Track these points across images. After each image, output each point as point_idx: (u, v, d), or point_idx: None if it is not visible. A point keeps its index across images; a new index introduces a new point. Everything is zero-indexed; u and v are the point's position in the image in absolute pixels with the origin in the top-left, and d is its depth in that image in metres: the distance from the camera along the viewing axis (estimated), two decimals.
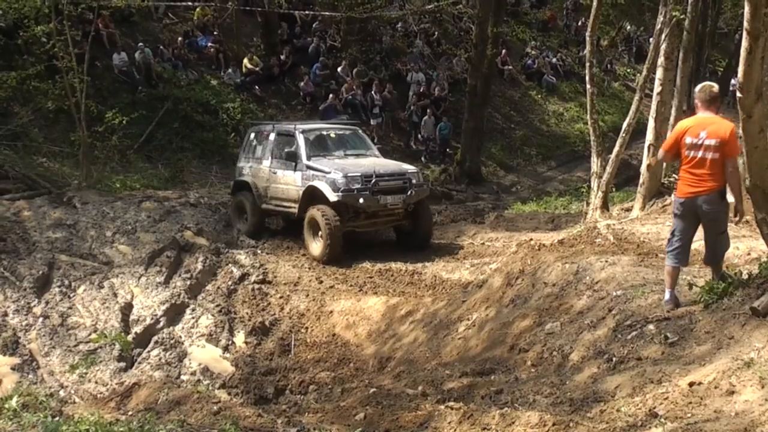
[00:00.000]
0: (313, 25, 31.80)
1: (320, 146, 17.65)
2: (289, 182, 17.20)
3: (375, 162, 17.45)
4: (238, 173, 18.94)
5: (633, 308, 8.69)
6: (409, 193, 16.60)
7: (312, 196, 16.53)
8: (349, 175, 16.17)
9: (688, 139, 8.00)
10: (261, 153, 18.27)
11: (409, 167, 17.78)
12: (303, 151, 17.00)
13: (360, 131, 19.26)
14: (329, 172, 16.35)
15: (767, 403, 5.78)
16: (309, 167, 16.77)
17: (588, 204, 17.17)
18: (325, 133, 18.22)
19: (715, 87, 8.30)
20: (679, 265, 8.31)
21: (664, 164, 15.29)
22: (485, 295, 11.71)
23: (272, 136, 18.05)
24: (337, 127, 19.08)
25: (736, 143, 7.90)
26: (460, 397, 8.02)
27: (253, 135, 18.90)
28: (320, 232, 16.03)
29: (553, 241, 12.91)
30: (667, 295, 8.32)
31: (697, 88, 8.34)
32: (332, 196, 16.02)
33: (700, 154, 7.93)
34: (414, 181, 16.92)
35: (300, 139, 17.24)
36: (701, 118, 8.06)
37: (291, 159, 17.12)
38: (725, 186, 8.08)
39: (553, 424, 6.18)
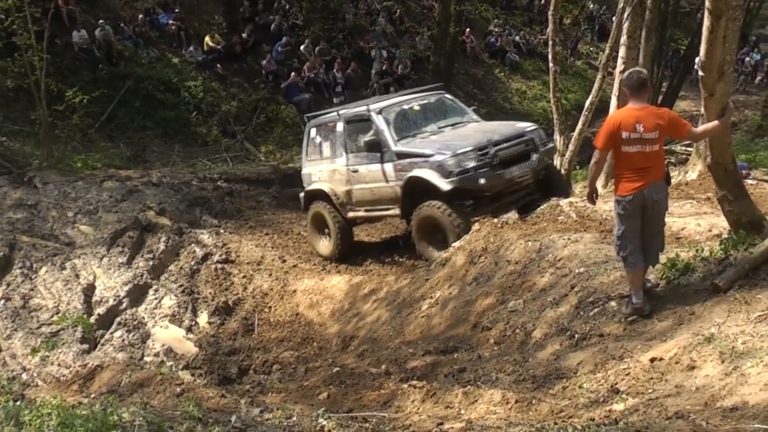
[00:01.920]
0: (275, 3, 31.55)
1: (406, 125, 14.24)
2: (379, 178, 14.01)
3: (483, 128, 14.14)
4: (305, 181, 15.81)
5: (595, 285, 8.75)
6: (535, 158, 13.49)
7: (415, 189, 13.34)
8: (459, 152, 12.83)
9: (624, 134, 7.46)
10: (331, 150, 15.04)
11: (526, 124, 14.37)
12: (388, 135, 13.81)
13: (448, 96, 15.82)
14: (432, 154, 13.09)
15: (727, 377, 5.85)
16: (401, 155, 13.57)
17: None
18: (406, 107, 14.57)
19: (643, 72, 7.85)
20: (641, 268, 7.85)
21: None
22: (448, 273, 11.74)
23: (340, 126, 14.81)
24: (418, 96, 15.31)
25: (681, 123, 7.67)
26: (423, 375, 8.07)
27: (314, 131, 15.62)
28: (443, 234, 12.91)
29: (516, 218, 12.95)
30: (635, 299, 7.79)
31: (624, 74, 7.93)
32: (444, 184, 12.76)
33: (641, 148, 7.47)
34: (538, 141, 13.66)
35: (379, 121, 14.02)
36: (633, 110, 7.56)
37: (374, 149, 13.89)
38: (668, 172, 7.99)
39: (516, 402, 6.24)
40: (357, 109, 14.97)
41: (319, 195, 15.23)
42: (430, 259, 12.89)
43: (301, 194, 16.01)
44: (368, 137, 13.96)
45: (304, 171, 15.89)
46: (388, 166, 13.74)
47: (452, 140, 13.45)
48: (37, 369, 12.09)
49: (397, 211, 13.96)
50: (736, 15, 8.08)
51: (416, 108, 14.62)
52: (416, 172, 13.18)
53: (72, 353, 12.45)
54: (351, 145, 14.54)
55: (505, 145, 13.15)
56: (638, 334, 7.34)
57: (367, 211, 14.69)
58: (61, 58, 23.49)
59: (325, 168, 15.14)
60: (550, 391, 6.74)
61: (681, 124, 7.68)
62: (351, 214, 14.88)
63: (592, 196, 8.22)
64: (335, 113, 15.29)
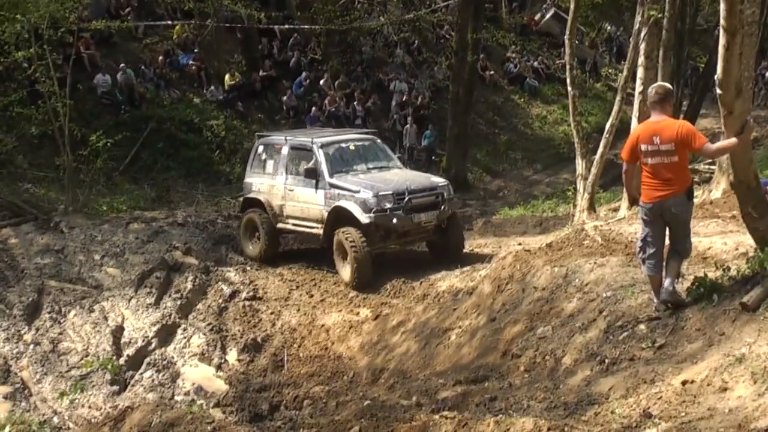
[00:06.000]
0: (290, 40, 31.67)
1: (341, 161, 16.46)
2: (310, 201, 16.15)
3: (404, 176, 16.38)
4: (246, 189, 17.81)
5: (623, 309, 8.70)
6: (442, 208, 15.74)
7: (338, 216, 15.49)
8: (381, 194, 15.16)
9: (642, 147, 7.83)
10: (273, 168, 17.10)
11: (439, 180, 16.85)
12: (325, 168, 15.90)
13: (378, 141, 17.97)
14: (357, 191, 15.34)
15: (760, 398, 5.78)
16: (333, 185, 15.72)
17: (575, 206, 17.19)
18: (344, 145, 16.88)
19: (666, 86, 8.14)
20: (658, 273, 8.10)
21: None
22: (475, 302, 11.71)
23: (285, 150, 16.88)
24: (355, 138, 17.66)
25: (694, 136, 7.69)
26: (454, 405, 8.01)
27: (261, 148, 17.70)
28: (348, 258, 15.09)
29: (542, 244, 12.91)
30: (656, 300, 8.21)
31: (650, 89, 8.21)
32: (364, 218, 15.00)
33: (658, 160, 7.76)
34: (446, 195, 15.94)
35: (320, 154, 16.07)
36: (651, 123, 7.89)
37: (311, 176, 15.98)
38: (691, 186, 8.05)
39: (549, 429, 6.17)
40: (303, 139, 17.11)
41: (256, 203, 17.32)
42: (340, 275, 15.61)
43: (240, 198, 18.40)
44: (308, 166, 16.04)
45: (246, 180, 17.96)
46: (320, 193, 15.91)
47: (377, 182, 15.72)
48: (68, 412, 12.10)
49: (319, 230, 16.02)
50: (752, 31, 8.09)
51: (352, 147, 17.04)
52: (342, 203, 15.48)
53: (102, 395, 12.48)
54: (292, 167, 16.68)
55: (419, 194, 15.63)
56: (669, 357, 7.27)
57: (294, 225, 16.82)
58: (83, 103, 23.81)
59: (265, 182, 17.20)
60: (582, 418, 6.66)
61: (695, 137, 7.69)
62: (280, 225, 16.95)
63: (635, 199, 8.49)
64: (283, 138, 17.39)
